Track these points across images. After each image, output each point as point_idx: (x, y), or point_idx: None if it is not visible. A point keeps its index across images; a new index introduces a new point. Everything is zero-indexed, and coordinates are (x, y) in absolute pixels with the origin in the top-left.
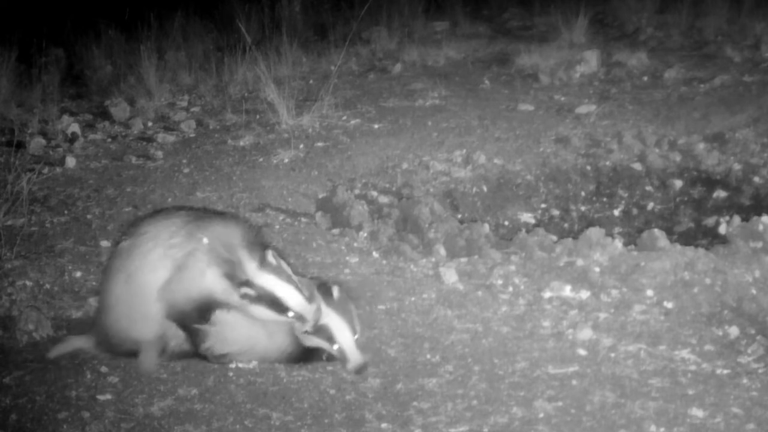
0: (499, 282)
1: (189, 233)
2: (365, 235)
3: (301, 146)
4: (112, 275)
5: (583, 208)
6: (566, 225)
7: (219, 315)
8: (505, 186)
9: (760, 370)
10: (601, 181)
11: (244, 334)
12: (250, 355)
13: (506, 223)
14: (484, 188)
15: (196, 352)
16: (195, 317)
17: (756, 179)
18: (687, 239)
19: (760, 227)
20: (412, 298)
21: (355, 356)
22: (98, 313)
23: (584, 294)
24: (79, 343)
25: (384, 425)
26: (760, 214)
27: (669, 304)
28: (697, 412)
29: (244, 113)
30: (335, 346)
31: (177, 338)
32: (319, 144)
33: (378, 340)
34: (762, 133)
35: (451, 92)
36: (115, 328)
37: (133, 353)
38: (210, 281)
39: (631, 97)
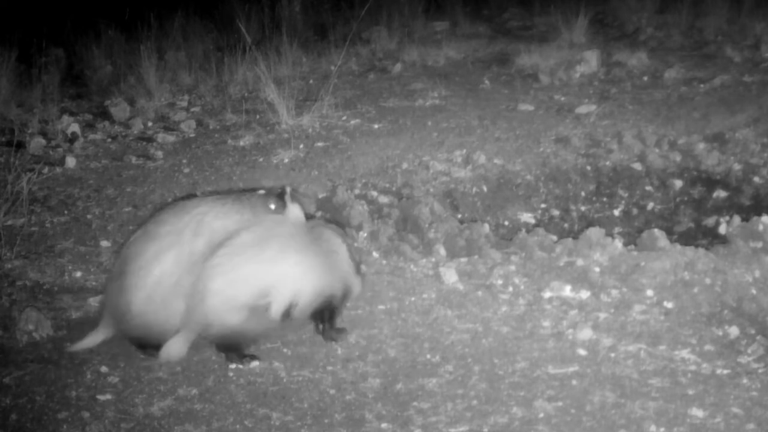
0: (499, 282)
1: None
2: (365, 235)
3: (301, 146)
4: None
5: (583, 208)
6: (566, 225)
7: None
8: (505, 186)
9: (760, 370)
10: (601, 181)
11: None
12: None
13: (506, 223)
14: (484, 188)
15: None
16: None
17: (756, 179)
18: (687, 239)
19: (760, 227)
20: (412, 298)
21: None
22: (117, 309)
23: (584, 294)
24: (100, 337)
25: (384, 425)
26: (760, 214)
27: (669, 304)
28: (697, 412)
29: (244, 113)
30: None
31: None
32: (319, 144)
33: (378, 340)
34: (762, 133)
35: (451, 92)
36: (140, 323)
37: (156, 346)
38: None
39: (631, 97)
